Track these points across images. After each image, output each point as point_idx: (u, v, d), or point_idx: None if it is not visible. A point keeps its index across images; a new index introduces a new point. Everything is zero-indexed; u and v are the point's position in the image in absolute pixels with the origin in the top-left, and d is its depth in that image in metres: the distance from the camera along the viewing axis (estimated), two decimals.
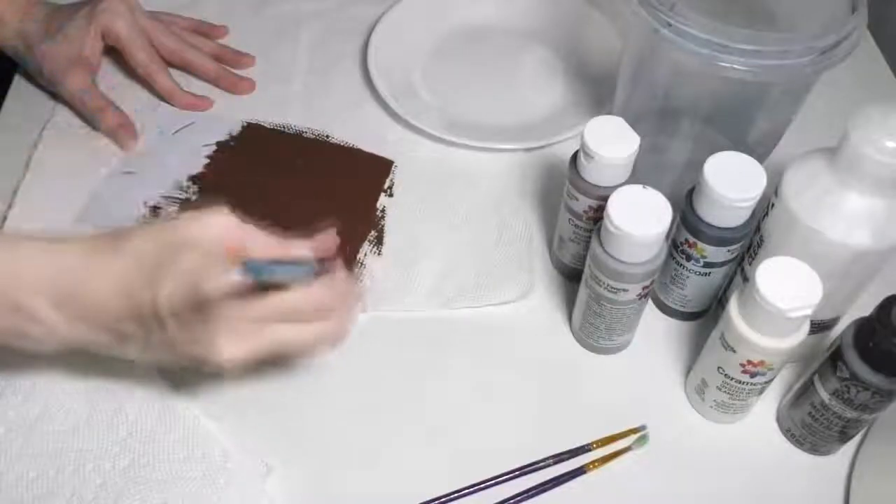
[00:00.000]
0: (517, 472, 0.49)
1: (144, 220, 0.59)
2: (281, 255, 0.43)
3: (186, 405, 0.50)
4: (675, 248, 0.52)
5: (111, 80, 0.68)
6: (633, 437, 0.51)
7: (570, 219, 0.54)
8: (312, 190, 0.62)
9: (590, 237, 0.49)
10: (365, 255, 0.59)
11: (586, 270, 0.50)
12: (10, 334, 0.43)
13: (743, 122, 0.57)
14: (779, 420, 0.52)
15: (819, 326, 0.51)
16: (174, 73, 0.68)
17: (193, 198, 0.61)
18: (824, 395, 0.47)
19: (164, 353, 0.44)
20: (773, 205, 0.48)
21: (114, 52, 0.67)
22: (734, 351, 0.46)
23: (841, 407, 0.46)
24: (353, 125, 0.67)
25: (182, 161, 0.63)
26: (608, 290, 0.49)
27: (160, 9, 0.71)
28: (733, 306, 0.46)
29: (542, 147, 0.65)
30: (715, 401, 0.50)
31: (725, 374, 0.48)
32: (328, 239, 0.46)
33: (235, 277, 0.39)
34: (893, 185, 0.43)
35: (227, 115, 0.67)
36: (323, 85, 0.70)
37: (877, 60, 0.76)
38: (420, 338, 0.55)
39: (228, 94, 0.69)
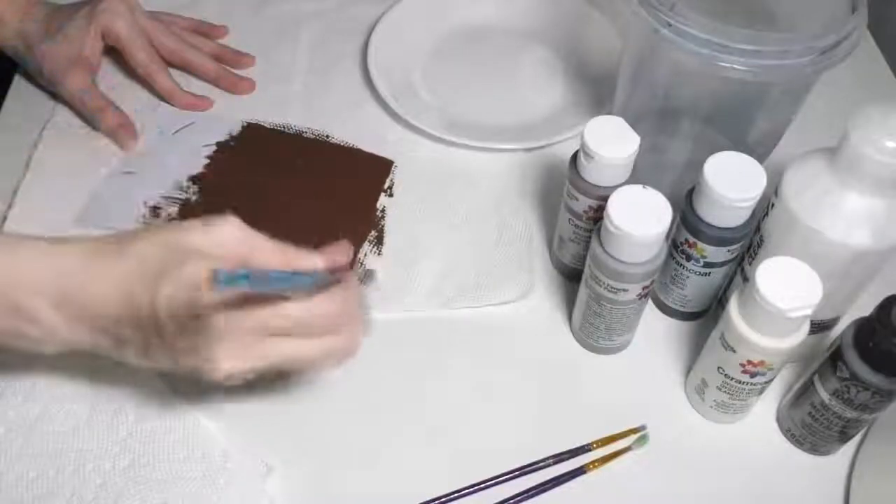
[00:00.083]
0: (517, 472, 0.49)
1: (144, 221, 0.59)
2: (285, 267, 0.42)
3: (186, 405, 0.50)
4: (675, 248, 0.52)
5: (111, 80, 0.68)
6: (633, 437, 0.51)
7: (570, 219, 0.54)
8: (312, 190, 0.62)
9: (590, 237, 0.49)
10: (365, 255, 0.59)
11: (586, 270, 0.50)
12: (10, 335, 0.43)
13: (743, 122, 0.57)
14: (779, 420, 0.52)
15: (819, 326, 0.51)
16: (174, 73, 0.68)
17: (193, 198, 0.61)
18: (824, 395, 0.47)
19: (162, 360, 0.43)
20: (773, 205, 0.48)
21: (114, 52, 0.67)
22: (734, 351, 0.46)
23: (841, 407, 0.46)
24: (353, 125, 0.67)
25: (182, 161, 0.63)
26: (608, 290, 0.49)
27: (160, 9, 0.71)
28: (733, 306, 0.46)
29: (542, 147, 0.65)
30: (715, 401, 0.50)
31: (725, 374, 0.48)
32: (340, 250, 0.44)
33: (211, 292, 0.38)
34: (893, 185, 0.43)
35: (227, 115, 0.67)
36: (323, 85, 0.70)
37: (877, 60, 0.76)
38: (420, 338, 0.55)
39: (228, 94, 0.69)
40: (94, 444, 0.49)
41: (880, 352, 0.43)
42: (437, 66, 0.72)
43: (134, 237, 0.42)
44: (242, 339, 0.40)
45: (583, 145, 0.49)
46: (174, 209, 0.60)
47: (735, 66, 0.47)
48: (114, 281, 0.41)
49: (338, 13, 0.76)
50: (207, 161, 0.63)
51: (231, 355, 0.40)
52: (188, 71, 0.69)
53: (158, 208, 0.60)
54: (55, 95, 0.66)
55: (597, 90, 0.70)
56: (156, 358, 0.43)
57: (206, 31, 0.72)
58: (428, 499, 0.48)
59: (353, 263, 0.58)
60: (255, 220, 0.43)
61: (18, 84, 0.68)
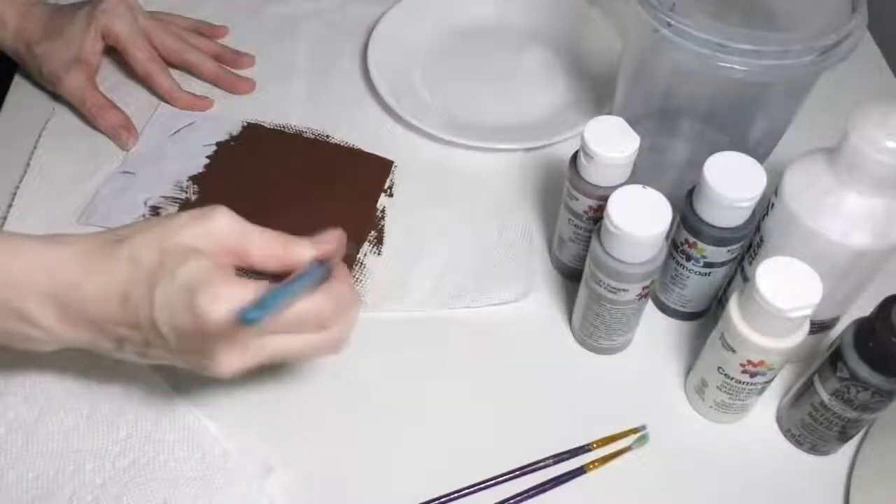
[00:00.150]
0: (517, 472, 0.49)
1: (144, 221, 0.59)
2: (281, 255, 0.42)
3: (186, 405, 0.50)
4: (675, 248, 0.52)
5: (111, 80, 0.68)
6: (633, 437, 0.51)
7: (570, 219, 0.54)
8: (312, 190, 0.62)
9: (590, 237, 0.49)
10: (365, 255, 0.59)
11: (586, 270, 0.50)
12: (7, 335, 0.43)
13: (743, 122, 0.57)
14: (779, 420, 0.52)
15: (819, 326, 0.51)
16: (174, 73, 0.68)
17: (193, 198, 0.61)
18: (824, 395, 0.47)
19: (162, 359, 0.43)
20: (773, 205, 0.48)
21: (114, 52, 0.67)
22: (734, 351, 0.46)
23: (841, 407, 0.46)
24: (353, 125, 0.67)
25: (182, 161, 0.63)
26: (608, 290, 0.49)
27: (160, 9, 0.71)
28: (733, 306, 0.46)
29: (542, 147, 0.65)
30: (715, 401, 0.50)
31: (725, 374, 0.48)
32: (333, 237, 0.44)
33: (238, 326, 0.38)
34: (893, 185, 0.43)
35: (227, 115, 0.67)
36: (323, 85, 0.70)
37: (877, 60, 0.76)
38: (420, 338, 0.55)
39: (228, 94, 0.69)
40: (94, 444, 0.49)
41: (880, 352, 0.43)
42: (437, 66, 0.72)
43: (127, 237, 0.42)
44: (244, 340, 0.41)
45: (583, 145, 0.49)
46: (174, 209, 0.60)
47: (735, 66, 0.47)
48: (108, 283, 0.41)
49: (338, 13, 0.76)
50: (207, 161, 0.63)
51: (233, 356, 0.41)
52: (188, 71, 0.69)
53: (158, 208, 0.60)
54: (55, 95, 0.66)
55: (597, 90, 0.70)
56: (155, 356, 0.43)
57: (206, 31, 0.72)
58: (428, 499, 0.48)
59: (352, 264, 0.58)
60: (255, 219, 0.43)
61: (18, 84, 0.68)
